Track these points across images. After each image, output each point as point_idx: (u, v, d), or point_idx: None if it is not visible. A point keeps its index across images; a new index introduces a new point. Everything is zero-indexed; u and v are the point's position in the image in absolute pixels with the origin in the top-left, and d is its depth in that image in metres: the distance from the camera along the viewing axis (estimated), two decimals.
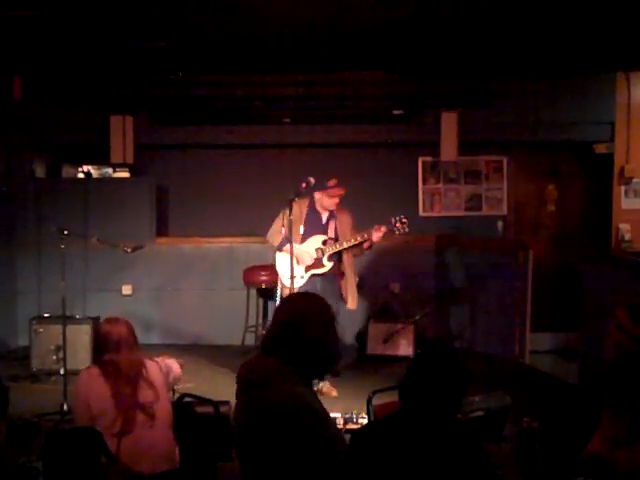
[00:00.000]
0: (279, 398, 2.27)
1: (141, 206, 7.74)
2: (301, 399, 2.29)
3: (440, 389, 2.35)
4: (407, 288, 7.72)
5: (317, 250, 5.75)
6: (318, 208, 5.84)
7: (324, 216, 5.87)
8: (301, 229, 5.72)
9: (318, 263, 5.74)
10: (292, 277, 5.28)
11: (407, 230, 5.67)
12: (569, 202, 8.07)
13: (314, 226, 5.80)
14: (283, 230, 5.56)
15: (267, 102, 7.56)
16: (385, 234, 5.68)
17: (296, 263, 5.62)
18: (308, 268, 5.75)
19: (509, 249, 7.36)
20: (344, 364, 6.34)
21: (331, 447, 2.26)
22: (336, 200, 5.77)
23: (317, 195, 5.78)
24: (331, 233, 5.82)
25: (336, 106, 7.57)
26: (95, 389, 3.40)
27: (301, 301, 2.53)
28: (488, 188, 8.07)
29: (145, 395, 3.43)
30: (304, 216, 5.77)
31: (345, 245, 5.71)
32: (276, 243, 5.78)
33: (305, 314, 2.41)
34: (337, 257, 5.82)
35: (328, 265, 5.76)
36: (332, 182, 5.74)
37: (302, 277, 5.72)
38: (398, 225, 5.64)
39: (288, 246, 5.48)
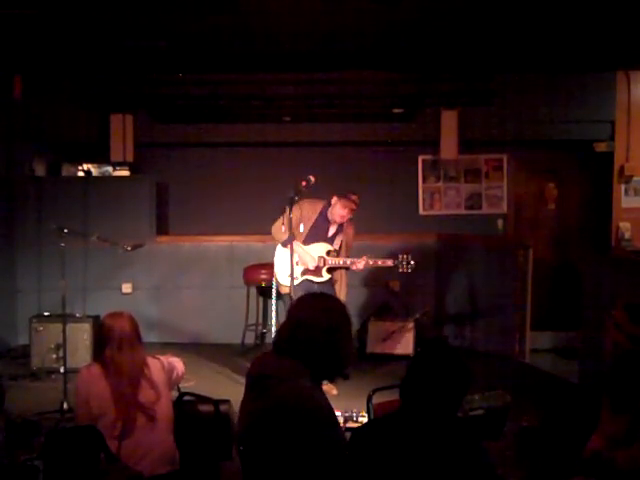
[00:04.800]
0: (290, 396, 2.27)
1: (141, 204, 7.74)
2: (312, 399, 2.29)
3: (440, 388, 2.35)
4: (407, 286, 7.72)
5: (320, 259, 5.72)
6: (329, 215, 5.77)
7: (333, 227, 5.82)
8: (301, 227, 5.69)
9: (317, 271, 5.73)
10: (292, 276, 5.26)
11: (410, 271, 5.76)
12: (569, 201, 8.07)
13: (319, 232, 5.76)
14: (283, 228, 5.55)
15: (267, 101, 7.56)
16: (384, 266, 5.80)
17: (296, 263, 5.64)
18: (305, 272, 5.75)
19: (509, 247, 7.36)
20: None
21: (336, 448, 2.26)
22: (347, 212, 5.70)
23: (334, 200, 5.72)
24: (336, 245, 5.80)
25: (336, 105, 7.57)
26: (95, 389, 3.38)
27: (314, 302, 2.51)
28: (488, 187, 8.07)
29: (146, 395, 3.40)
30: (313, 219, 5.74)
31: (342, 264, 5.73)
32: (281, 238, 5.71)
33: (317, 317, 2.40)
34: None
35: (326, 277, 5.76)
36: (354, 196, 5.72)
37: (296, 278, 5.59)
38: (404, 263, 5.73)
39: (294, 244, 5.54)
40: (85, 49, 6.42)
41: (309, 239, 5.75)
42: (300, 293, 5.29)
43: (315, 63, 7.08)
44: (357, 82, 7.47)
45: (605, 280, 5.51)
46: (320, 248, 5.75)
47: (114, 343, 3.45)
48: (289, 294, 5.47)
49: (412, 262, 5.72)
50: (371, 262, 5.70)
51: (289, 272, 5.60)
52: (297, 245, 5.63)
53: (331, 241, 5.81)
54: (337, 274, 5.86)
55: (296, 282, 5.58)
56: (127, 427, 3.32)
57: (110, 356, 3.44)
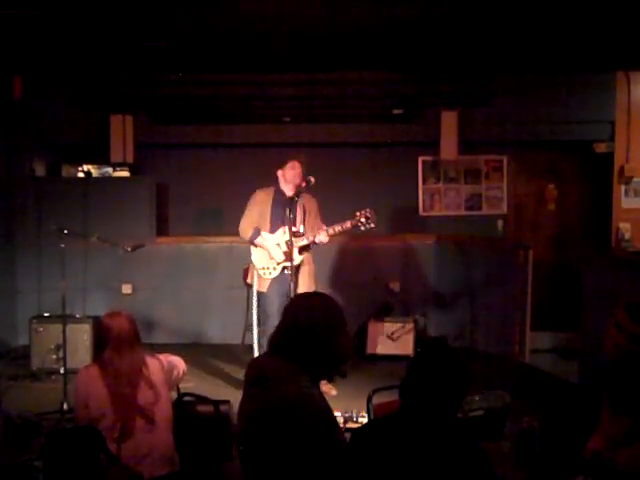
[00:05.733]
0: (289, 397, 2.27)
1: (141, 205, 7.74)
2: (311, 400, 2.29)
3: (441, 388, 2.35)
4: (407, 287, 7.72)
5: (287, 243, 5.54)
6: (282, 188, 5.70)
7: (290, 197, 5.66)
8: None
9: (287, 257, 5.54)
10: (292, 261, 5.23)
11: (373, 225, 5.41)
12: (569, 201, 8.07)
13: (280, 214, 5.58)
14: (286, 228, 5.51)
15: (267, 101, 7.57)
16: (347, 230, 5.54)
17: (269, 257, 5.65)
18: (280, 261, 5.70)
19: (509, 248, 7.35)
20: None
21: (335, 450, 2.26)
22: (295, 173, 5.65)
23: (280, 172, 5.71)
24: (299, 222, 5.67)
25: (336, 105, 7.58)
26: (93, 390, 3.38)
27: (308, 302, 2.52)
28: (488, 187, 8.07)
29: (145, 396, 3.40)
30: (270, 205, 5.70)
31: (307, 242, 5.59)
32: (247, 237, 5.74)
33: (312, 315, 2.40)
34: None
35: (299, 258, 5.59)
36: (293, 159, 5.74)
37: (275, 269, 5.65)
38: (363, 220, 5.40)
39: (259, 239, 5.66)
40: (85, 50, 6.42)
41: (274, 224, 5.68)
42: (277, 286, 5.54)
43: (315, 63, 7.08)
44: (357, 83, 7.48)
45: (605, 280, 5.51)
46: (283, 234, 5.63)
47: (113, 343, 3.44)
48: (267, 292, 5.63)
49: (370, 214, 5.37)
50: (331, 231, 5.50)
51: (269, 265, 5.69)
52: (263, 239, 5.65)
53: (293, 218, 5.51)
54: (305, 258, 5.71)
55: (276, 273, 5.65)
56: (126, 429, 3.31)
57: (109, 357, 3.43)
